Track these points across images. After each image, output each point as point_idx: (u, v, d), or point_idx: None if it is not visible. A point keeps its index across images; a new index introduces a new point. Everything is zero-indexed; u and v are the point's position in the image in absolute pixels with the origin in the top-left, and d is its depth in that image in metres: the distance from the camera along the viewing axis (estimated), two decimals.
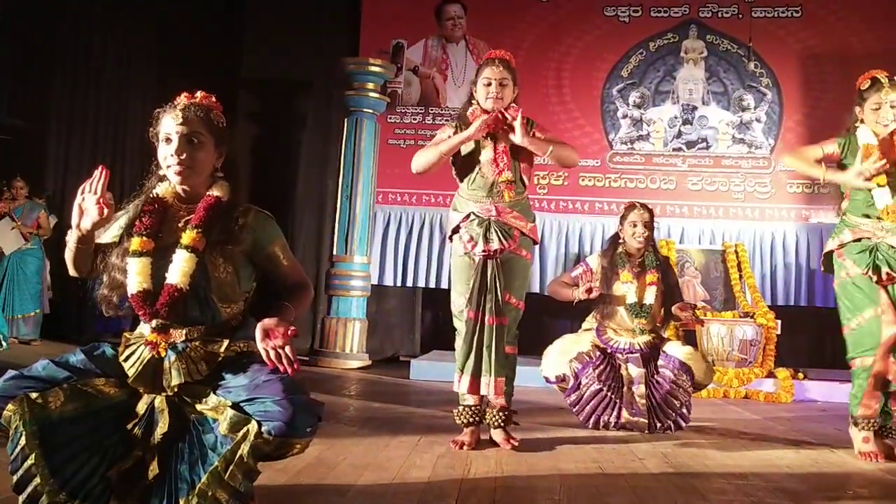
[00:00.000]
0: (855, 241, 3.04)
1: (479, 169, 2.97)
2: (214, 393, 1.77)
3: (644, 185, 6.43)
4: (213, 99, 1.97)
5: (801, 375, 5.24)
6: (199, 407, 1.77)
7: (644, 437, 3.36)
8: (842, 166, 3.12)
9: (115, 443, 1.74)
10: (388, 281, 6.58)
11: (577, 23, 6.66)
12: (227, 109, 2.02)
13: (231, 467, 1.64)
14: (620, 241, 3.71)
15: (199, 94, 1.95)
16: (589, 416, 3.51)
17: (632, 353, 3.56)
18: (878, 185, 2.99)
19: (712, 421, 3.93)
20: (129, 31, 6.83)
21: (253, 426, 1.65)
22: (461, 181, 3.06)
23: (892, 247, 2.97)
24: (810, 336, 6.27)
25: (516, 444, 2.96)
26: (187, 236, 1.83)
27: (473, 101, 3.03)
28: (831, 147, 3.15)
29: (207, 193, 1.90)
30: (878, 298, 2.94)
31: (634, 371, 3.53)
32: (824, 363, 5.86)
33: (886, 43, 6.26)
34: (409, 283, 6.59)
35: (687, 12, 6.56)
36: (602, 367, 3.55)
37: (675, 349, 3.54)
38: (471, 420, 2.98)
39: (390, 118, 6.62)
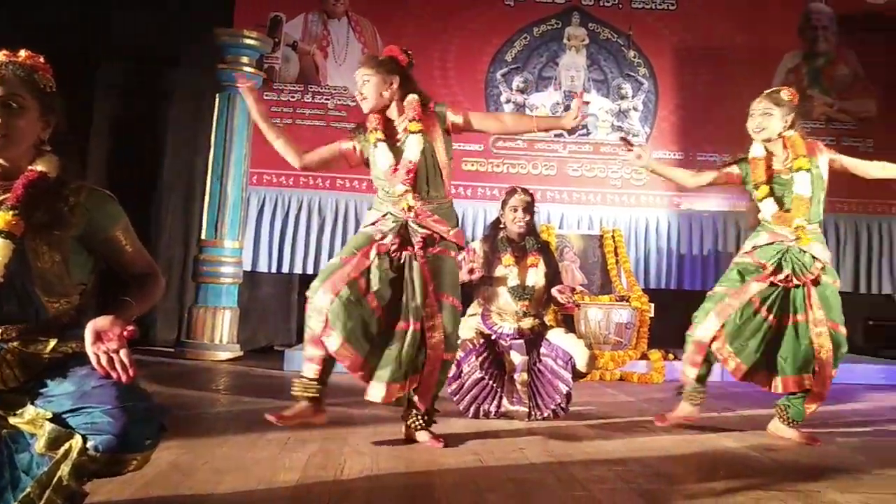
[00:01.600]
0: (769, 244, 3.13)
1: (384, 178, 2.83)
2: (33, 403, 1.50)
3: (526, 171, 6.44)
4: (42, 59, 1.68)
5: (671, 356, 5.41)
6: (12, 420, 1.50)
7: (524, 424, 3.31)
8: (746, 187, 3.24)
9: None
10: (263, 267, 6.25)
11: (463, 4, 6.54)
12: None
13: (48, 493, 1.39)
14: (501, 225, 3.66)
15: (22, 52, 1.66)
16: (469, 406, 3.43)
17: (516, 338, 3.51)
18: (760, 198, 3.11)
19: (590, 405, 3.96)
20: None
21: (76, 441, 1.40)
22: (377, 187, 2.92)
23: (804, 251, 3.07)
24: (680, 318, 6.48)
25: (443, 443, 2.80)
26: (1, 219, 1.54)
27: None
28: (729, 169, 3.25)
29: (29, 168, 1.62)
30: (744, 288, 3.05)
31: (517, 358, 3.48)
32: None
33: (752, 41, 6.56)
34: (286, 270, 6.29)
35: None
36: (485, 354, 3.48)
37: (559, 337, 3.52)
38: (310, 394, 2.73)
39: (267, 95, 6.26)
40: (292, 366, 5.07)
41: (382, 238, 2.79)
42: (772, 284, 3.05)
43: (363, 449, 2.71)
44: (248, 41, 5.73)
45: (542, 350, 3.50)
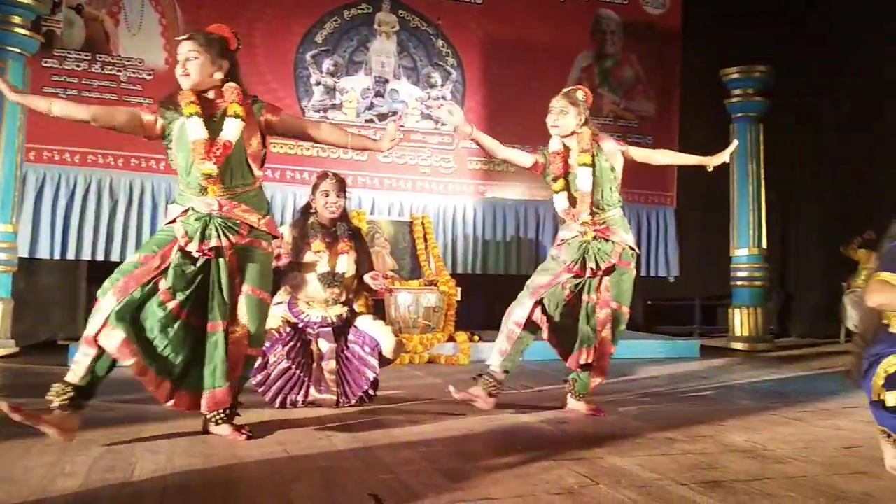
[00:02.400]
0: (574, 237, 3.33)
1: (192, 152, 2.64)
2: None
3: (337, 156, 6.37)
4: None
5: (476, 338, 5.64)
6: None
7: (332, 412, 3.28)
8: (545, 179, 3.43)
9: None
10: (43, 253, 5.63)
11: None
12: None
13: None
14: (312, 210, 3.57)
15: None
16: (276, 396, 3.34)
17: (323, 326, 3.46)
18: (556, 192, 3.31)
19: (400, 389, 4.01)
20: None
21: None
22: (179, 171, 2.71)
23: (605, 239, 3.31)
24: (485, 301, 6.80)
25: (247, 434, 2.68)
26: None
27: None
28: (538, 157, 3.42)
29: None
30: (557, 275, 3.29)
31: (325, 346, 3.43)
32: (496, 325, 6.38)
33: (551, 39, 6.97)
34: (71, 256, 5.72)
35: None
36: (292, 343, 3.40)
37: (366, 324, 3.51)
38: (61, 400, 2.52)
39: (46, 62, 5.63)
40: None
41: (186, 237, 2.63)
42: (570, 271, 3.30)
43: (157, 447, 2.54)
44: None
45: (350, 337, 3.48)
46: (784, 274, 7.89)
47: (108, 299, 2.49)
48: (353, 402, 3.40)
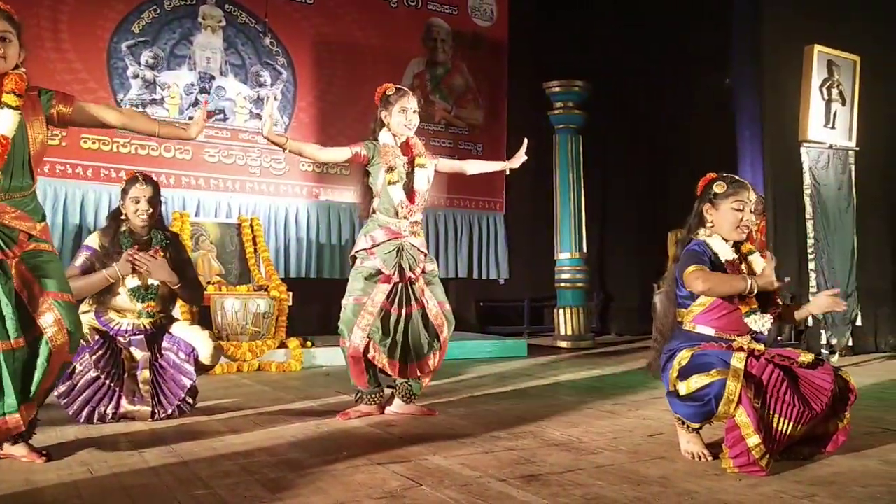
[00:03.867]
0: (386, 240, 3.27)
1: None
2: None
3: (157, 153, 6.00)
4: None
5: (309, 344, 5.52)
6: None
7: (147, 426, 3.07)
8: (367, 171, 3.35)
9: None
10: None
11: None
12: None
13: None
14: (123, 216, 3.31)
15: None
16: (82, 409, 3.07)
17: (135, 334, 3.23)
18: (391, 183, 3.28)
19: (225, 398, 3.83)
20: None
21: None
22: None
23: (414, 245, 3.30)
24: (320, 305, 6.69)
25: (46, 455, 2.45)
26: None
27: None
28: (360, 149, 3.33)
29: None
30: (373, 296, 3.23)
31: (138, 354, 3.20)
32: (331, 330, 6.30)
33: (384, 43, 7.01)
34: None
35: None
36: (101, 351, 3.14)
37: (182, 330, 3.33)
38: None
39: None
40: None
41: None
42: (393, 283, 3.28)
43: None
44: None
45: (164, 344, 3.27)
46: (603, 276, 8.46)
47: None
48: (170, 412, 3.19)
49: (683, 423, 2.50)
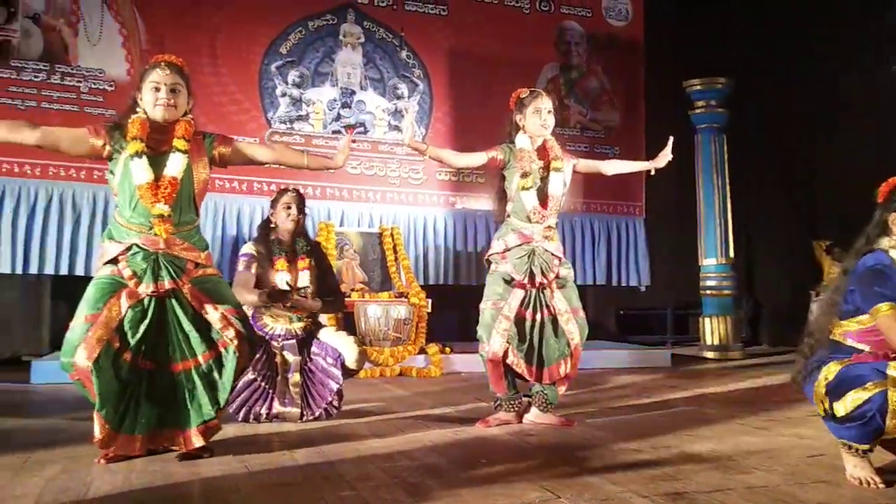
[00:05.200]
0: (518, 245, 3.27)
1: (138, 194, 2.58)
2: None
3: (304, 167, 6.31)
4: None
5: (447, 350, 5.61)
6: None
7: (296, 426, 3.24)
8: (503, 175, 3.35)
9: None
10: (5, 268, 5.50)
11: None
12: None
13: None
14: (272, 225, 3.58)
15: None
16: (240, 409, 3.30)
17: (287, 339, 3.44)
18: (524, 188, 3.27)
19: (368, 402, 3.97)
20: None
21: None
22: (119, 204, 2.64)
23: (547, 250, 3.28)
24: (457, 311, 6.78)
25: (209, 452, 2.65)
26: None
27: (138, 108, 2.65)
28: (496, 153, 3.33)
29: None
30: (509, 301, 3.22)
31: (290, 358, 3.41)
32: (469, 336, 6.37)
33: (514, 48, 7.00)
34: (33, 271, 5.59)
35: None
36: (257, 355, 3.36)
37: (329, 336, 3.51)
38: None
39: (2, 73, 5.52)
40: (41, 377, 4.54)
41: (134, 278, 2.57)
42: (521, 287, 3.26)
43: (115, 466, 2.47)
44: None
45: (314, 349, 3.47)
46: (752, 282, 7.98)
47: (81, 359, 2.45)
48: (318, 414, 3.37)
49: (850, 446, 2.28)
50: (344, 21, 6.57)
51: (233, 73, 6.18)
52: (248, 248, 3.54)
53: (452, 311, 6.66)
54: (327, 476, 2.38)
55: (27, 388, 4.44)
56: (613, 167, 3.62)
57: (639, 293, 7.56)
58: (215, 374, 2.63)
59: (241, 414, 3.30)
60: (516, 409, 3.32)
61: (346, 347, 3.43)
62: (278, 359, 3.43)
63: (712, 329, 6.79)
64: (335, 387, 3.39)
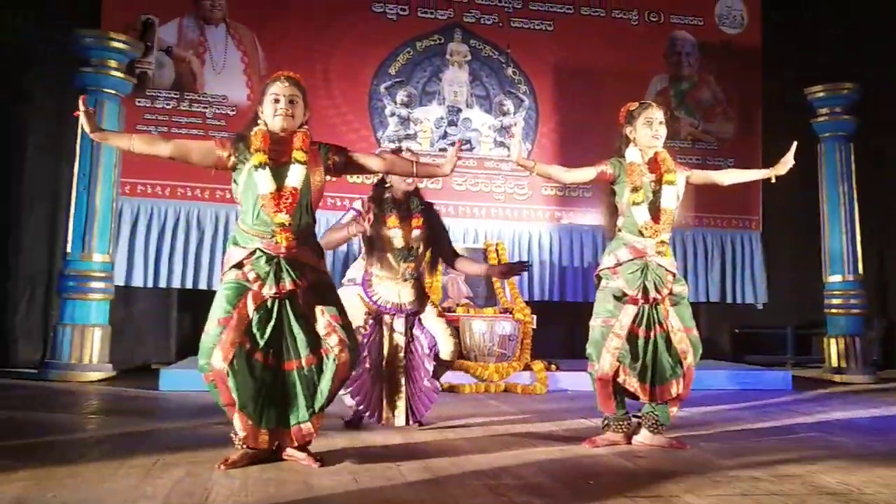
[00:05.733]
0: (630, 259, 3.20)
1: (261, 203, 2.73)
2: None
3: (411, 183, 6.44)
4: None
5: (554, 367, 5.55)
6: None
7: (403, 437, 3.29)
8: (612, 190, 3.30)
9: None
10: (138, 282, 5.93)
11: (345, 16, 6.52)
12: None
13: None
14: (387, 185, 3.61)
15: None
16: (374, 410, 3.46)
17: (398, 314, 3.52)
18: (635, 203, 3.20)
19: (473, 417, 3.98)
20: None
21: None
22: (242, 212, 2.80)
23: (659, 265, 3.19)
24: (563, 328, 6.71)
25: (320, 461, 2.73)
26: None
27: (259, 121, 2.81)
28: (605, 167, 3.28)
29: None
30: (620, 318, 3.15)
31: (399, 338, 3.51)
32: (575, 353, 6.27)
33: (621, 61, 6.89)
34: (163, 284, 6.00)
35: (452, 16, 6.71)
36: (372, 336, 3.48)
37: (430, 321, 3.57)
38: (244, 444, 2.70)
39: (139, 101, 5.98)
40: (170, 385, 4.84)
41: (258, 280, 2.70)
42: (634, 302, 3.19)
43: (234, 471, 2.60)
44: (115, 44, 5.47)
45: (415, 331, 3.54)
46: (885, 300, 7.42)
47: (217, 361, 2.61)
48: (424, 415, 3.51)
49: None
50: (451, 40, 6.69)
51: (344, 95, 6.43)
52: (356, 205, 3.61)
53: (558, 327, 6.59)
54: (434, 493, 2.39)
55: (157, 395, 4.74)
56: (730, 177, 3.48)
57: (756, 311, 7.21)
58: (315, 379, 2.73)
59: (376, 416, 3.44)
60: (625, 429, 3.24)
61: (443, 338, 3.51)
62: (386, 338, 3.50)
63: (838, 350, 6.37)
64: (430, 385, 3.47)
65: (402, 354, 3.49)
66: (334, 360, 2.72)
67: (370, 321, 3.50)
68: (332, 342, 2.73)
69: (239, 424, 2.63)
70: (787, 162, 3.31)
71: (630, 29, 7.05)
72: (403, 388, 3.46)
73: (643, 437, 3.24)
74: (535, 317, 5.70)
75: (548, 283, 6.69)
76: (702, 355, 3.29)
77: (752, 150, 7.05)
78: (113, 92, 5.47)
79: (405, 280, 3.54)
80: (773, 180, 3.36)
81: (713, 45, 7.15)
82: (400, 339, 3.51)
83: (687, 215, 6.65)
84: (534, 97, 6.80)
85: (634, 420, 3.28)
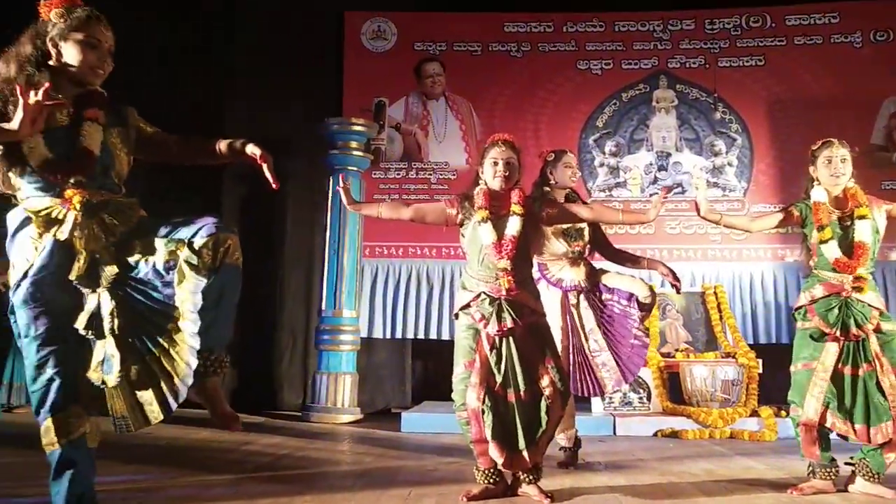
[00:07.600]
0: (825, 297, 3.16)
1: (485, 252, 3.12)
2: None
3: (623, 231, 6.57)
4: None
5: (783, 413, 5.30)
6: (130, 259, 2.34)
7: (627, 481, 3.43)
8: (804, 232, 3.31)
9: None
10: (378, 333, 6.66)
11: (552, 76, 6.91)
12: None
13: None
14: (552, 182, 3.81)
15: None
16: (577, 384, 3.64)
17: (581, 291, 3.67)
18: (822, 241, 3.17)
19: (696, 460, 4.01)
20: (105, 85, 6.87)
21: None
22: (469, 261, 3.22)
23: (860, 300, 3.12)
24: None
25: (550, 498, 2.99)
26: None
27: (480, 181, 3.22)
28: (791, 209, 3.33)
29: None
30: (823, 358, 3.09)
31: (588, 319, 3.65)
32: None
33: (845, 87, 6.53)
34: (399, 335, 6.68)
35: (656, 64, 6.83)
36: (567, 342, 3.66)
37: (613, 279, 3.69)
38: (486, 480, 3.05)
39: (375, 174, 6.80)
40: (410, 427, 5.35)
41: (483, 320, 3.07)
42: (834, 340, 3.10)
43: (475, 502, 2.94)
44: (356, 128, 6.28)
45: (604, 296, 3.66)
46: None
47: (472, 400, 3.01)
48: (635, 375, 3.67)
49: None
50: (656, 87, 6.81)
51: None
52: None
53: (787, 370, 6.25)
54: None
55: (399, 436, 5.27)
56: None
57: None
58: (532, 413, 3.02)
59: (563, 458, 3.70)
60: (832, 476, 3.12)
61: (635, 284, 3.62)
62: (585, 344, 3.63)
63: None
64: (638, 336, 3.56)
65: (595, 327, 3.62)
66: (545, 399, 3.02)
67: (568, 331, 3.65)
68: (543, 383, 3.04)
69: (496, 453, 2.96)
70: None
71: (853, 52, 6.67)
72: (603, 360, 3.60)
73: (860, 486, 3.11)
74: (760, 360, 5.53)
75: (774, 325, 6.41)
76: None
77: None
78: (355, 168, 6.30)
79: (574, 261, 3.71)
80: None
81: None
82: (588, 319, 3.64)
83: (890, 246, 6.06)
84: (747, 135, 6.66)
85: (847, 466, 3.16)
